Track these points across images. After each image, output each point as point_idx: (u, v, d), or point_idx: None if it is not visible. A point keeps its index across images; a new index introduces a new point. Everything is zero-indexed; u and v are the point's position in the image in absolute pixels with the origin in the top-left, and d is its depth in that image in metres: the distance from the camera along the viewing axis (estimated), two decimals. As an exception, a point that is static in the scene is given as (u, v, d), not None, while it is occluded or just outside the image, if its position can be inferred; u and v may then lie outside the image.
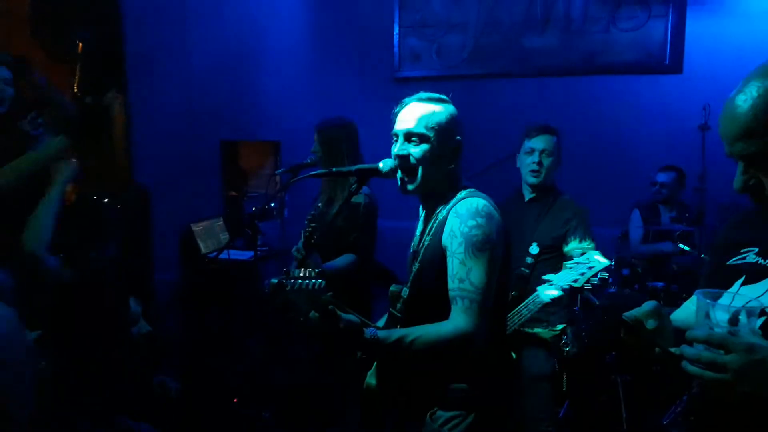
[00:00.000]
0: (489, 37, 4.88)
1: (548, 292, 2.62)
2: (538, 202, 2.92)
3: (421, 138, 1.73)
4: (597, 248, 2.86)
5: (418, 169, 1.75)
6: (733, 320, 1.05)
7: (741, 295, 1.18)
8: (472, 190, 1.78)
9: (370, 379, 1.88)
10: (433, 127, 1.73)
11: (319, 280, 1.53)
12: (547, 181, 2.89)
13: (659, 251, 4.18)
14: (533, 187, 2.93)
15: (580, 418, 3.71)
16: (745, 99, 1.10)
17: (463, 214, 1.65)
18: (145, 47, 3.72)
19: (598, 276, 2.55)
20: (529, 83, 4.80)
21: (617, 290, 3.79)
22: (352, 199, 2.98)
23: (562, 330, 2.87)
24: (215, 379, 3.79)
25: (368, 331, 1.57)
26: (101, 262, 2.40)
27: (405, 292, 1.84)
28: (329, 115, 3.44)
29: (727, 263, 1.27)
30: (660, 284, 3.87)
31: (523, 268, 2.84)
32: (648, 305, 1.30)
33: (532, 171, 2.87)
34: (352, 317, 1.59)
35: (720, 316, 1.06)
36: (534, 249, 2.82)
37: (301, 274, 1.54)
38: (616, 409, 3.62)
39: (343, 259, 2.98)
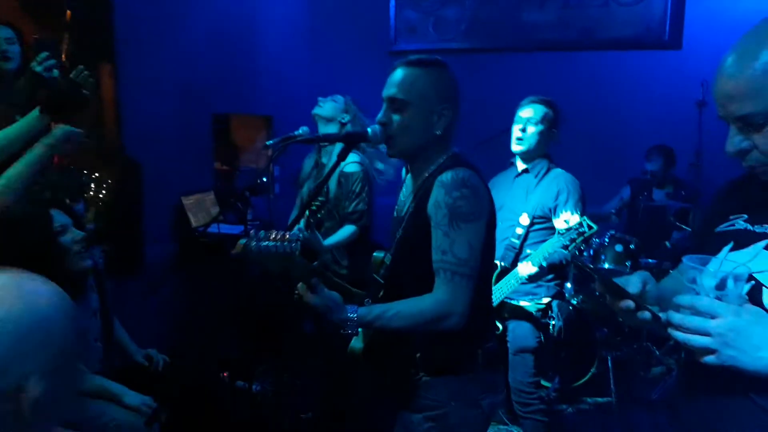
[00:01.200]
0: (486, 11, 4.82)
1: (525, 268, 2.63)
2: (530, 173, 2.89)
3: (402, 104, 1.68)
4: (591, 219, 2.84)
5: (397, 137, 1.71)
6: (721, 285, 1.03)
7: (729, 260, 1.16)
8: (457, 156, 1.73)
9: (355, 342, 1.86)
10: (414, 93, 1.67)
11: (293, 244, 1.51)
12: (535, 151, 2.85)
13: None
14: (521, 157, 2.91)
15: (569, 393, 3.74)
16: (739, 59, 1.07)
17: (448, 184, 1.60)
18: (136, 17, 3.63)
19: (588, 238, 2.53)
20: (527, 58, 4.75)
21: (612, 267, 3.78)
22: (346, 169, 2.99)
23: (548, 304, 2.87)
24: (206, 352, 3.79)
25: (349, 308, 1.57)
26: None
27: (388, 258, 1.82)
28: (324, 90, 3.39)
29: (716, 230, 1.25)
30: (653, 261, 3.87)
31: (513, 239, 2.83)
32: (637, 273, 1.27)
33: (517, 139, 2.85)
34: (334, 294, 1.58)
35: (707, 282, 1.04)
36: (524, 220, 2.81)
37: (272, 236, 1.52)
38: (606, 384, 3.65)
39: (343, 232, 3.00)
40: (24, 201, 1.98)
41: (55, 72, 2.32)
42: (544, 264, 2.59)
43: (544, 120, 2.82)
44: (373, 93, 2.98)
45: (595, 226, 2.52)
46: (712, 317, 0.99)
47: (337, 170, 2.97)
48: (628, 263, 3.73)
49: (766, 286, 1.09)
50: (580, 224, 2.52)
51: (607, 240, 3.74)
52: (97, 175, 3.34)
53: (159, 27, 3.88)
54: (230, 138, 4.73)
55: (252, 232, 1.55)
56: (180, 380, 2.73)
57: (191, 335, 3.96)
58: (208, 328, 3.91)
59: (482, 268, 1.62)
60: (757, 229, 1.17)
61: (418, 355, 1.72)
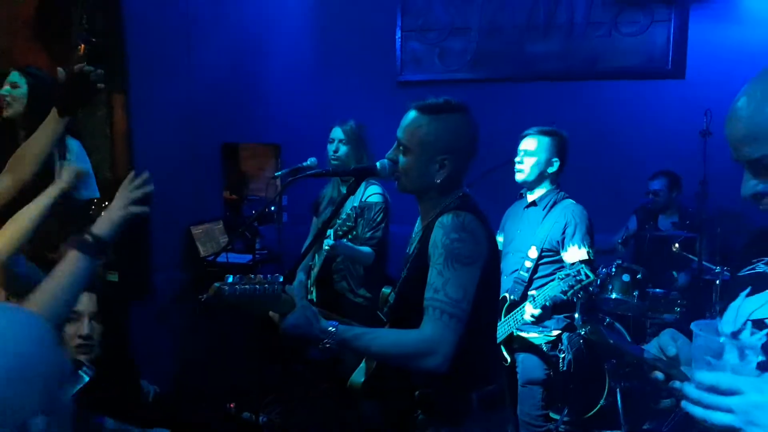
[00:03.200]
0: (491, 42, 4.88)
1: (529, 309, 2.64)
2: (538, 205, 2.91)
3: (405, 149, 1.72)
4: (597, 253, 2.85)
5: (402, 177, 1.75)
6: (738, 355, 1.00)
7: (744, 307, 1.16)
8: (465, 197, 1.74)
9: (356, 376, 1.87)
10: (416, 141, 1.69)
11: (276, 286, 1.53)
12: (535, 182, 2.90)
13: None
14: (525, 187, 2.96)
15: (579, 424, 3.69)
16: (749, 102, 1.06)
17: (447, 226, 1.61)
18: (148, 49, 3.71)
19: (590, 288, 2.55)
20: (532, 88, 4.80)
21: (617, 297, 3.77)
22: (369, 200, 3.06)
23: (558, 336, 2.86)
24: (211, 382, 3.78)
25: (330, 322, 1.56)
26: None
27: (392, 297, 1.83)
28: (332, 120, 3.44)
29: (739, 274, 1.25)
30: (660, 291, 3.85)
31: (522, 272, 2.84)
32: (665, 335, 1.25)
33: (516, 170, 2.91)
34: (312, 308, 1.57)
35: (729, 354, 1.00)
36: (533, 253, 2.82)
37: (245, 281, 1.54)
38: (616, 416, 3.61)
39: (361, 248, 3.04)
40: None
41: (61, 71, 2.34)
42: (548, 305, 2.60)
43: (541, 150, 2.86)
44: (379, 122, 3.04)
45: (592, 276, 2.54)
46: (733, 393, 0.95)
47: (358, 200, 3.05)
48: (635, 293, 3.71)
49: None
50: (578, 272, 2.53)
51: (614, 270, 3.73)
52: (107, 204, 3.38)
53: (170, 58, 3.97)
54: (239, 167, 4.79)
55: (228, 277, 1.56)
56: (176, 411, 2.71)
57: (198, 365, 3.95)
58: (216, 358, 3.91)
59: (479, 312, 1.61)
60: None
61: (416, 393, 1.71)
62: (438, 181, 1.71)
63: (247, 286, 1.52)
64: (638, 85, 4.55)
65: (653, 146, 4.40)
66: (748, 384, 0.95)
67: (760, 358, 1.00)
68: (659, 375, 1.12)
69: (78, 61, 3.34)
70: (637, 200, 4.47)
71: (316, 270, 3.20)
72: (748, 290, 1.18)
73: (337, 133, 3.23)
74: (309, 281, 3.26)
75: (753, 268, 1.24)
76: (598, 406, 3.70)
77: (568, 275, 2.55)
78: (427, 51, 5.03)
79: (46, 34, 3.59)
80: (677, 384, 1.08)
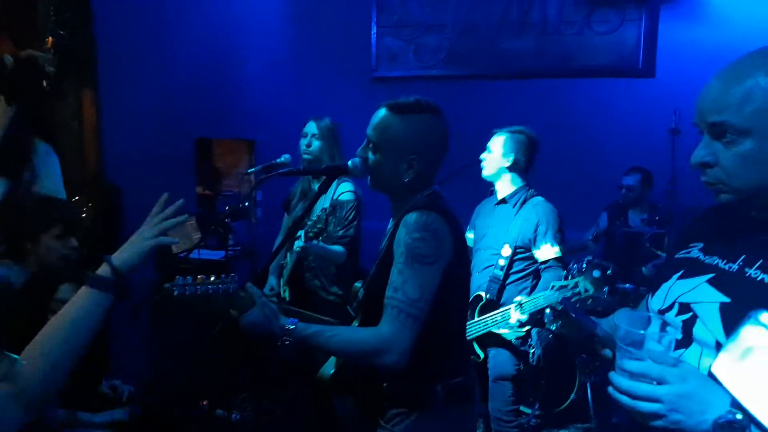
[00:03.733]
0: (466, 39, 4.90)
1: (515, 314, 2.67)
2: (508, 203, 2.95)
3: (374, 147, 1.72)
4: (570, 252, 2.89)
5: (372, 174, 1.76)
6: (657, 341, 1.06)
7: (675, 289, 1.22)
8: (434, 196, 1.74)
9: (326, 369, 1.87)
10: (385, 140, 1.70)
11: (232, 285, 1.54)
12: (495, 176, 2.97)
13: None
14: (495, 184, 3.01)
15: (550, 418, 3.75)
16: (727, 75, 1.10)
17: (410, 225, 1.61)
18: (118, 43, 3.66)
19: (588, 302, 2.59)
20: (506, 85, 4.83)
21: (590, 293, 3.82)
22: (341, 198, 3.05)
23: (527, 332, 2.89)
24: (184, 380, 3.75)
25: (289, 320, 1.58)
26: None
27: (361, 292, 1.84)
28: (307, 115, 3.43)
29: (675, 256, 1.29)
30: (630, 286, 3.92)
31: (496, 271, 2.86)
32: (619, 313, 1.31)
33: (483, 167, 2.99)
34: (271, 305, 1.59)
35: (647, 345, 1.06)
36: (506, 251, 2.85)
37: (198, 281, 1.55)
38: (586, 410, 3.67)
39: (333, 247, 3.04)
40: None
41: (8, 58, 2.28)
42: (535, 311, 2.63)
43: (500, 147, 2.91)
44: (354, 118, 3.03)
45: (591, 289, 2.56)
46: (659, 383, 1.02)
47: (330, 198, 3.04)
48: (605, 288, 3.76)
49: (701, 318, 1.13)
50: (576, 285, 2.56)
51: (584, 265, 3.78)
52: (77, 198, 3.32)
53: (141, 53, 3.91)
54: (212, 162, 4.75)
55: (178, 278, 1.56)
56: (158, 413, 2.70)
57: (170, 363, 3.92)
58: (188, 356, 3.87)
59: (443, 310, 1.63)
60: (707, 259, 1.21)
61: (384, 385, 1.73)
62: (406, 180, 1.71)
63: (199, 287, 1.52)
64: (610, 83, 4.62)
65: (624, 143, 4.47)
66: (673, 374, 1.02)
67: (678, 336, 1.08)
68: (608, 352, 1.22)
69: (46, 53, 3.28)
70: (608, 197, 4.53)
71: (288, 269, 3.18)
72: (680, 273, 1.23)
73: (311, 127, 3.21)
74: (281, 280, 3.24)
75: (688, 252, 1.26)
76: (569, 400, 3.75)
77: (563, 287, 2.57)
78: (402, 47, 5.03)
79: (12, 23, 3.50)
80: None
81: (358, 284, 1.99)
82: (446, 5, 4.90)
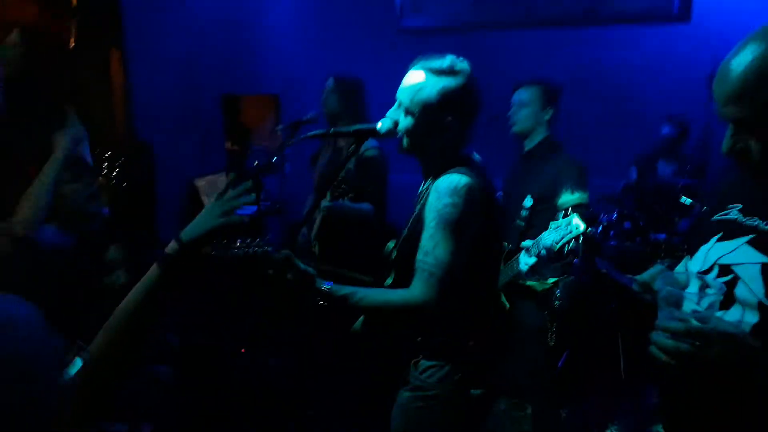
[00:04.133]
0: (494, -14, 4.77)
1: (525, 261, 2.64)
2: (535, 156, 2.91)
3: (406, 111, 1.70)
4: (601, 200, 2.85)
5: (403, 137, 1.73)
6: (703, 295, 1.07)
7: (714, 251, 1.22)
8: (466, 161, 1.73)
9: (359, 324, 1.92)
10: (418, 103, 1.67)
11: (265, 246, 1.56)
12: (529, 131, 2.91)
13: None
14: (519, 137, 2.96)
15: (577, 368, 3.78)
16: (739, 62, 1.09)
17: (441, 191, 1.61)
18: (143, 2, 3.64)
19: (579, 239, 2.54)
20: (534, 33, 4.71)
21: (618, 243, 3.80)
22: (366, 154, 3.04)
23: (554, 283, 2.89)
24: (222, 330, 3.86)
25: (325, 282, 1.59)
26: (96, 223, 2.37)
27: (393, 254, 1.86)
28: (331, 69, 3.40)
29: (713, 218, 1.28)
30: (662, 236, 3.88)
31: (518, 221, 2.86)
32: (655, 268, 1.31)
33: (510, 123, 2.94)
34: (308, 268, 1.59)
35: (687, 306, 1.07)
36: (528, 201, 2.83)
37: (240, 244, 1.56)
38: (615, 359, 3.69)
39: (361, 205, 3.06)
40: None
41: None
42: (543, 254, 2.60)
43: (531, 101, 2.86)
44: (380, 70, 3.00)
45: (582, 227, 2.51)
46: (704, 342, 1.04)
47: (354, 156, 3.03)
48: (637, 239, 3.74)
49: (742, 279, 1.13)
50: (569, 223, 2.52)
51: (614, 217, 3.75)
52: (108, 154, 3.37)
53: (166, 11, 3.89)
54: (240, 118, 4.76)
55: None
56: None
57: (209, 318, 4.03)
58: (225, 311, 3.98)
59: (474, 272, 1.66)
60: (747, 221, 1.20)
61: (419, 339, 1.78)
62: (439, 144, 1.70)
63: (237, 249, 1.54)
64: (643, 30, 4.46)
65: (658, 92, 4.34)
66: (718, 334, 1.03)
67: (720, 298, 1.09)
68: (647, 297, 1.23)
69: (71, 14, 3.30)
70: (640, 146, 4.44)
71: (317, 225, 3.21)
72: (719, 235, 1.23)
73: (329, 83, 3.24)
74: (311, 234, 3.28)
75: (726, 214, 1.24)
76: (595, 351, 3.77)
77: (559, 226, 2.54)
78: (428, -4, 4.91)
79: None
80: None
81: (391, 243, 2.00)
82: (473, -49, 4.75)
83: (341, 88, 3.17)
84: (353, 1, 5.00)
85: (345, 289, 1.61)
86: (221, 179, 4.42)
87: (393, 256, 1.90)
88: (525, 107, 2.89)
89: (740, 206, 1.24)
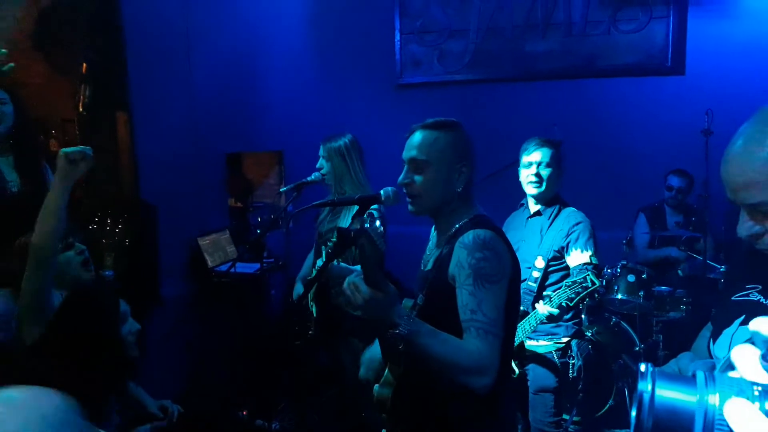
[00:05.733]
0: (490, 43, 4.88)
1: (544, 308, 2.65)
2: (542, 215, 2.92)
3: (424, 164, 1.75)
4: (601, 254, 2.86)
5: (419, 197, 1.77)
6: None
7: (738, 335, 1.19)
8: (480, 216, 1.77)
9: (383, 388, 1.86)
10: (434, 153, 1.74)
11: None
12: (549, 192, 2.88)
13: (666, 255, 4.18)
14: (536, 199, 2.93)
15: (588, 424, 3.72)
16: (745, 146, 1.06)
17: (470, 246, 1.64)
18: (148, 65, 3.73)
19: (595, 295, 2.56)
20: (531, 87, 4.81)
21: (624, 297, 3.79)
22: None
23: (567, 343, 2.88)
24: (225, 391, 3.82)
25: (405, 310, 1.54)
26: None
27: (416, 311, 1.84)
28: (333, 124, 3.46)
29: (732, 298, 1.26)
30: (666, 289, 3.87)
31: (530, 283, 2.85)
32: (683, 358, 1.26)
33: (531, 183, 2.86)
34: (393, 287, 1.55)
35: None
36: (540, 263, 2.83)
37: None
38: (625, 415, 3.64)
39: (356, 267, 3.02)
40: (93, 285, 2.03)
41: None
42: (564, 305, 2.61)
43: (553, 162, 2.84)
44: (380, 125, 3.05)
45: (597, 282, 2.55)
46: None
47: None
48: (641, 293, 3.74)
49: None
50: (584, 279, 2.55)
51: (618, 270, 3.76)
52: (111, 220, 3.41)
53: (170, 72, 3.99)
54: (243, 175, 4.82)
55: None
56: (199, 424, 2.76)
57: (210, 375, 3.99)
58: (227, 367, 3.95)
59: (508, 330, 1.63)
60: None
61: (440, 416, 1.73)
62: (459, 189, 1.76)
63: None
64: (638, 83, 4.55)
65: (655, 144, 4.40)
66: None
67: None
68: None
69: (81, 80, 3.38)
70: (638, 199, 4.47)
71: (314, 287, 3.19)
72: (742, 318, 1.20)
73: (321, 150, 3.26)
74: (309, 295, 3.26)
75: (746, 295, 1.22)
76: (607, 405, 3.73)
77: (574, 282, 2.57)
78: (427, 53, 5.03)
79: (47, 46, 3.60)
80: None
81: (408, 302, 1.98)
82: (470, 9, 4.89)
83: (333, 152, 3.20)
84: (354, 58, 5.12)
85: (427, 325, 1.54)
86: (224, 237, 4.44)
87: (414, 313, 1.85)
88: (549, 169, 2.84)
89: (759, 287, 1.21)
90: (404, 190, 1.79)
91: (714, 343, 1.25)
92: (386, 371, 1.87)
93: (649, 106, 4.50)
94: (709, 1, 4.40)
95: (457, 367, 1.53)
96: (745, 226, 1.11)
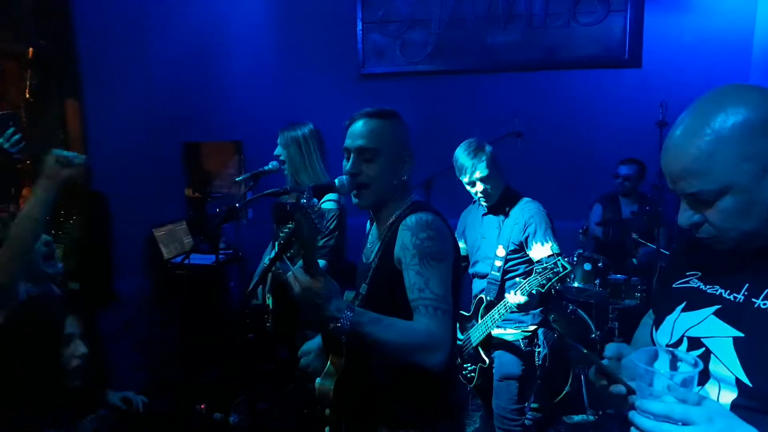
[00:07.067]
0: (452, 33, 4.88)
1: (514, 298, 2.67)
2: (496, 211, 2.92)
3: (373, 153, 1.72)
4: (559, 243, 2.89)
5: (369, 186, 1.74)
6: (681, 384, 0.99)
7: (681, 322, 1.19)
8: (419, 202, 1.79)
9: (324, 381, 1.82)
10: (384, 141, 1.73)
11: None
12: (497, 194, 2.88)
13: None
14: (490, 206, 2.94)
15: (546, 410, 3.78)
16: (684, 138, 1.07)
17: (414, 227, 1.64)
18: (101, 50, 3.62)
19: (567, 279, 2.60)
20: (492, 78, 4.83)
21: (581, 285, 3.85)
22: (323, 206, 2.97)
23: (534, 331, 2.91)
24: (182, 386, 3.75)
25: (345, 302, 1.53)
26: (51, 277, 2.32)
27: (359, 300, 1.82)
28: (293, 114, 3.40)
29: (673, 285, 1.26)
30: (621, 277, 3.95)
31: (494, 272, 2.87)
32: (609, 350, 1.26)
33: (481, 198, 2.87)
34: (334, 282, 1.54)
35: (659, 383, 0.99)
36: (501, 252, 2.85)
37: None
38: (580, 400, 3.71)
39: None
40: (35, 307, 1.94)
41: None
42: (534, 293, 2.64)
43: (491, 169, 2.79)
44: (342, 115, 3.03)
45: (569, 266, 2.59)
46: (684, 424, 0.96)
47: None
48: (597, 281, 3.80)
49: (714, 354, 1.10)
50: (555, 264, 2.58)
51: (575, 259, 3.82)
52: (63, 212, 3.30)
53: (124, 59, 3.88)
54: (201, 165, 4.73)
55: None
56: (156, 418, 2.70)
57: (168, 369, 3.92)
58: (184, 360, 3.88)
59: (454, 308, 1.64)
60: (709, 289, 1.18)
61: (384, 406, 1.73)
62: (404, 177, 1.76)
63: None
64: (596, 75, 4.61)
65: (611, 135, 4.48)
66: (699, 414, 0.96)
67: (696, 373, 1.01)
68: (620, 388, 1.13)
69: (27, 65, 3.26)
70: (595, 188, 4.55)
71: (269, 280, 3.14)
72: (684, 304, 1.20)
73: (279, 138, 3.18)
74: (265, 287, 3.21)
75: (686, 282, 1.22)
76: (564, 392, 3.79)
77: (545, 269, 2.59)
78: (389, 43, 5.00)
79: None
80: (621, 389, 1.13)
81: (350, 293, 1.97)
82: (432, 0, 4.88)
83: (290, 141, 3.13)
84: (316, 47, 5.06)
85: (370, 314, 1.53)
86: (180, 228, 4.35)
87: (357, 303, 1.84)
88: (488, 181, 2.81)
89: (699, 274, 1.22)
90: (350, 181, 1.74)
91: (656, 330, 1.26)
92: (328, 363, 1.84)
93: (606, 97, 4.57)
94: (665, -6, 4.48)
95: (407, 347, 1.52)
96: (685, 215, 1.12)
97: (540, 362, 2.98)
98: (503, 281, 2.88)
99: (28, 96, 3.16)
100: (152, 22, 4.16)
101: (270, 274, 3.11)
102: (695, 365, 1.01)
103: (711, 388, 1.10)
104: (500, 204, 2.91)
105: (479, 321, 2.84)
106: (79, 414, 1.93)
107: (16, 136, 2.44)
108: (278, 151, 3.18)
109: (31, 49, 3.15)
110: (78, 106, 3.47)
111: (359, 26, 5.03)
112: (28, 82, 3.15)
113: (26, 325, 1.86)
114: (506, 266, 2.86)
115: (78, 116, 3.49)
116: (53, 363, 1.85)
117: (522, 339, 2.91)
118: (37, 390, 1.73)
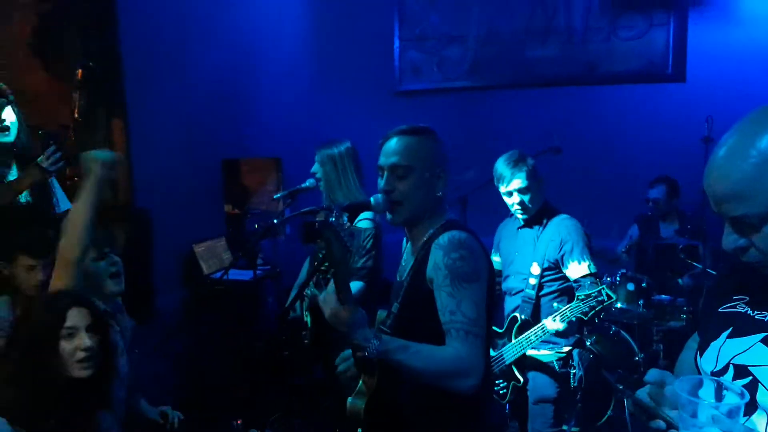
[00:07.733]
0: (489, 49, 4.88)
1: (553, 324, 2.61)
2: (532, 226, 2.88)
3: (406, 170, 1.72)
4: (599, 261, 2.82)
5: (403, 203, 1.74)
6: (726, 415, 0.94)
7: (726, 349, 1.14)
8: (453, 221, 1.77)
9: (356, 399, 1.82)
10: (417, 159, 1.72)
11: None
12: (536, 208, 2.83)
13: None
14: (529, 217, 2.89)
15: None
16: (728, 159, 1.02)
17: (446, 246, 1.63)
18: (144, 71, 3.72)
19: (612, 309, 2.53)
20: (531, 94, 4.79)
21: (624, 306, 3.75)
22: (359, 225, 2.97)
23: (569, 352, 2.84)
24: (219, 400, 3.78)
25: (372, 332, 1.55)
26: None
27: (388, 323, 1.82)
28: (331, 131, 3.42)
29: (719, 309, 1.21)
30: (666, 298, 3.83)
31: (528, 290, 2.82)
32: (651, 375, 1.21)
33: (517, 210, 2.83)
34: (362, 311, 1.57)
35: (703, 414, 0.93)
36: (535, 269, 2.80)
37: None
38: (623, 426, 3.59)
39: (353, 288, 2.96)
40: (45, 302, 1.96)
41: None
42: (573, 320, 2.59)
43: (531, 181, 2.76)
44: (379, 133, 3.03)
45: (614, 296, 2.53)
46: None
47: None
48: (640, 301, 3.70)
49: (762, 384, 1.05)
50: (599, 293, 2.52)
51: (618, 279, 3.72)
52: (108, 226, 3.37)
53: (165, 80, 3.97)
54: (240, 182, 4.79)
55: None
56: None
57: (204, 384, 3.96)
58: (222, 376, 3.91)
59: (488, 330, 1.62)
60: (757, 315, 1.13)
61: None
62: (439, 194, 1.76)
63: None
64: (639, 90, 4.53)
65: (655, 151, 4.37)
66: None
67: (743, 403, 0.95)
68: (661, 424, 1.07)
69: (76, 86, 3.37)
70: (638, 206, 4.43)
71: (308, 298, 3.14)
72: (729, 330, 1.15)
73: (316, 156, 3.19)
74: (303, 304, 3.21)
75: (733, 307, 1.17)
76: (606, 416, 3.68)
77: (588, 296, 2.53)
78: (426, 60, 5.03)
79: (44, 53, 3.59)
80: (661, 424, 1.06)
81: (382, 312, 1.96)
82: (469, 16, 4.88)
83: (326, 159, 3.13)
84: (353, 65, 5.11)
85: (397, 341, 1.55)
86: (220, 244, 4.42)
87: (389, 322, 1.83)
88: (527, 192, 2.77)
89: (746, 298, 1.17)
90: (385, 198, 1.75)
91: (701, 356, 1.21)
92: (359, 382, 1.82)
93: (649, 113, 4.48)
94: (709, 7, 4.37)
95: (436, 374, 1.54)
96: (730, 239, 1.08)
97: (576, 384, 2.90)
98: (538, 299, 2.82)
99: (76, 116, 3.26)
100: (192, 41, 4.25)
101: (309, 293, 3.12)
102: (742, 395, 0.96)
103: (759, 420, 1.05)
104: (537, 217, 2.86)
105: (513, 340, 2.79)
106: (86, 406, 1.92)
107: (56, 155, 2.51)
108: (315, 168, 3.20)
109: (80, 70, 3.26)
110: (123, 125, 3.57)
111: (396, 43, 5.07)
112: (77, 103, 3.25)
113: (28, 316, 1.89)
114: (541, 281, 2.81)
115: (123, 135, 3.59)
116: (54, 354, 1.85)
117: (556, 360, 2.84)
118: (40, 381, 1.75)
